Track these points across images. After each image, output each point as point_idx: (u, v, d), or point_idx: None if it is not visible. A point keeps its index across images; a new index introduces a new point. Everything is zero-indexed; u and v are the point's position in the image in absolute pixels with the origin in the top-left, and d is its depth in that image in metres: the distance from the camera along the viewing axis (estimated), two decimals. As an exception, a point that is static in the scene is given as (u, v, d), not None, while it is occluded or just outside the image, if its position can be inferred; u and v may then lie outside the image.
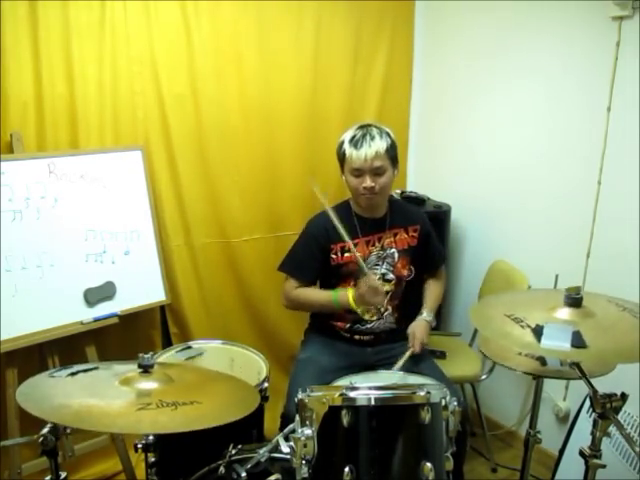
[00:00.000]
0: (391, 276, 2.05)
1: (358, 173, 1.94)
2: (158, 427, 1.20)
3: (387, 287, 2.04)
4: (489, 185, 2.64)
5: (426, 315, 2.09)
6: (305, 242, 2.08)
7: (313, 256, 2.05)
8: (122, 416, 1.20)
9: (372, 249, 2.05)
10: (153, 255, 2.29)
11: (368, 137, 1.92)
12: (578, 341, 1.31)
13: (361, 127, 1.97)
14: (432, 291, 2.20)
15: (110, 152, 2.20)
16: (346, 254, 2.02)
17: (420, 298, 2.19)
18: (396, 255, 2.06)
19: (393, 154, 1.98)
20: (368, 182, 1.93)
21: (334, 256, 2.03)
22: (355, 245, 1.98)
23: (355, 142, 1.93)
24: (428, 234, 2.15)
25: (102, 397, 1.28)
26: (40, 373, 1.40)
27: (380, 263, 2.05)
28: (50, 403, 1.23)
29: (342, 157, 1.99)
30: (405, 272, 2.08)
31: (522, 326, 1.40)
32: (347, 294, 1.94)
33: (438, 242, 2.26)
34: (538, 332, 1.35)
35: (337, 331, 2.08)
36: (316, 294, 2.07)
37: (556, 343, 1.31)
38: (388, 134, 1.98)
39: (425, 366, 1.97)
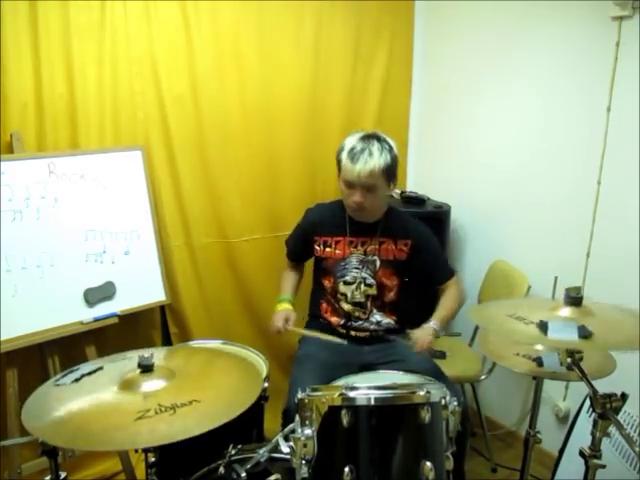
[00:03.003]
0: (371, 281, 2.05)
1: (349, 185, 1.94)
2: (156, 438, 1.19)
3: (369, 291, 2.06)
4: (489, 185, 2.64)
5: (432, 323, 1.98)
6: (296, 227, 2.24)
7: (298, 240, 2.21)
8: (120, 429, 1.19)
9: (353, 250, 2.06)
10: (153, 255, 2.29)
11: (367, 153, 1.88)
12: (584, 332, 1.34)
13: (364, 138, 1.93)
14: (441, 302, 2.09)
15: (110, 152, 2.20)
16: (327, 249, 2.07)
17: (424, 300, 2.17)
18: (378, 263, 2.05)
19: (391, 172, 1.94)
20: (357, 197, 1.93)
21: (318, 248, 2.10)
22: (338, 243, 2.07)
23: (353, 155, 1.90)
24: (423, 249, 2.07)
25: (103, 406, 1.28)
26: (45, 380, 1.41)
27: (361, 267, 2.05)
28: (51, 422, 1.22)
29: (338, 164, 1.99)
30: (387, 282, 2.06)
31: (526, 323, 1.41)
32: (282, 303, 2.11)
33: (442, 256, 2.19)
34: (543, 326, 1.37)
35: (333, 327, 2.09)
36: (282, 283, 2.23)
37: (563, 335, 1.32)
38: (390, 150, 1.93)
39: (425, 366, 1.97)
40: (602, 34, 2.07)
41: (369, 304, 2.07)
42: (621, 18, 2.00)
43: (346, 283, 2.06)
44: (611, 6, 2.00)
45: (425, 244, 2.08)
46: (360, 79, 2.77)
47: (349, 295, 2.06)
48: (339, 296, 2.07)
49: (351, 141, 1.94)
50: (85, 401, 1.31)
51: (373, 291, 2.06)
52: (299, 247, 2.22)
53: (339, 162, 1.98)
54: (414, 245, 2.06)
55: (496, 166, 2.59)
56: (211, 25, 2.36)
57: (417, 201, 2.68)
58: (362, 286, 2.05)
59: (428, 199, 2.74)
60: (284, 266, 2.30)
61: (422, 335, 1.94)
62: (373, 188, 1.92)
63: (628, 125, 2.03)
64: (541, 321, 1.39)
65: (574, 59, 2.20)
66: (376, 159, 1.88)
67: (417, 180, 3.01)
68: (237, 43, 2.44)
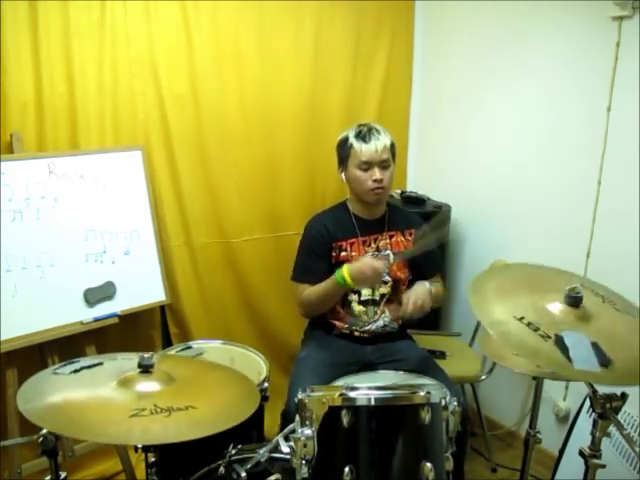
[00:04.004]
0: (387, 278, 2.04)
1: (367, 166, 1.96)
2: (148, 438, 1.19)
3: (383, 289, 2.04)
4: (489, 185, 2.64)
5: (427, 284, 1.92)
6: (307, 247, 2.07)
7: (318, 258, 2.03)
8: (114, 423, 1.19)
9: (368, 249, 2.06)
10: (153, 255, 2.29)
11: (374, 131, 1.98)
12: (602, 358, 1.27)
13: (362, 125, 2.02)
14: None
15: (110, 152, 2.20)
16: (342, 253, 2.04)
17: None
18: (391, 257, 2.05)
19: (394, 151, 2.03)
20: (378, 174, 1.95)
21: (334, 254, 2.05)
22: (352, 245, 2.03)
23: (363, 136, 1.97)
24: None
25: (99, 399, 1.27)
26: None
27: None
28: (46, 406, 1.23)
29: (347, 152, 1.99)
30: (402, 275, 2.06)
31: (542, 336, 1.31)
32: (342, 269, 1.88)
33: (436, 251, 2.16)
34: (561, 344, 1.28)
35: (337, 329, 2.08)
36: (320, 284, 1.98)
37: (585, 363, 1.25)
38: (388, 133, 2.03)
39: (426, 366, 1.97)
40: (602, 34, 2.07)
41: (382, 304, 2.05)
42: (621, 18, 2.00)
43: None
44: (611, 6, 2.00)
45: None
46: (360, 79, 2.77)
47: (363, 292, 2.03)
48: (350, 297, 2.04)
49: (352, 130, 2.01)
50: (82, 391, 1.31)
51: (387, 289, 2.05)
52: (323, 263, 2.02)
53: (348, 149, 1.98)
54: (415, 236, 2.08)
55: (496, 166, 2.59)
56: (211, 25, 2.36)
57: (417, 201, 2.68)
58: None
59: (428, 199, 2.75)
60: (303, 290, 2.03)
61: (414, 292, 1.86)
62: (387, 164, 1.98)
63: (628, 125, 2.03)
64: (556, 336, 1.30)
65: (574, 59, 2.20)
66: (384, 136, 1.98)
67: (417, 180, 3.01)
68: (237, 43, 2.44)
